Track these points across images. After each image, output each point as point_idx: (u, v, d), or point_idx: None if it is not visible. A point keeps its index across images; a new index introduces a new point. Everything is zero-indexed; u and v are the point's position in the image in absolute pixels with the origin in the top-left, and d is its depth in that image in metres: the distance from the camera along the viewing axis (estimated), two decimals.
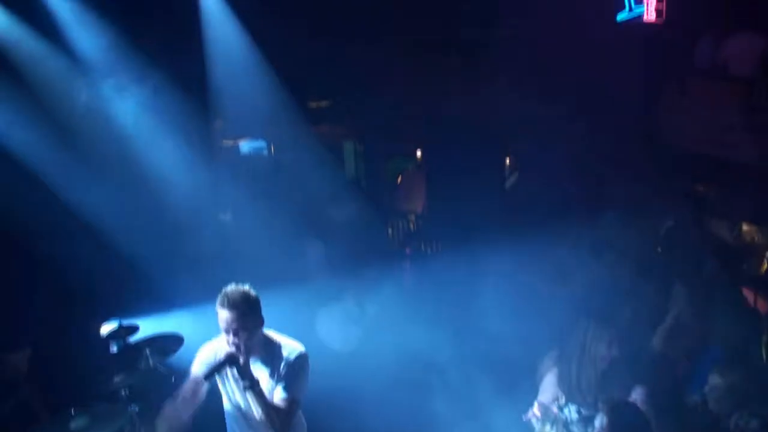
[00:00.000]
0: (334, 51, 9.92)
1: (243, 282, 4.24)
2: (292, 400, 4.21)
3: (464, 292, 7.76)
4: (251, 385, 4.12)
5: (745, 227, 9.70)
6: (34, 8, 7.01)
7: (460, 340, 7.28)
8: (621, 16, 9.55)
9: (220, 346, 4.30)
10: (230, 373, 4.29)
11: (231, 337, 4.13)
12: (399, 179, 11.23)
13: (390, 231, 10.30)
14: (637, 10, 9.25)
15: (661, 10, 9.11)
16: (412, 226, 8.67)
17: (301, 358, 4.27)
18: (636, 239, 8.14)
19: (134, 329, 5.95)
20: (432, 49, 11.14)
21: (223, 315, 4.11)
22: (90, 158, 7.25)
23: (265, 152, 11.80)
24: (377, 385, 6.40)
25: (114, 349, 5.99)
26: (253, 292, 4.19)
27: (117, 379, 5.31)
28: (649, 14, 9.12)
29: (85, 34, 7.40)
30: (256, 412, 4.20)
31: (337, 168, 11.81)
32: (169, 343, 5.60)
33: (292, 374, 4.22)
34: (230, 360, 4.13)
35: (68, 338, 6.27)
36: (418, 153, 11.13)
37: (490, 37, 11.08)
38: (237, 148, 11.30)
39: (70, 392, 5.63)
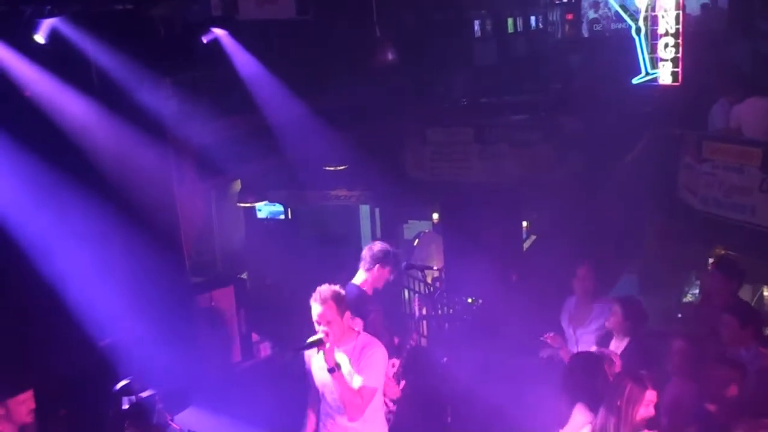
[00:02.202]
0: (351, 120, 10.11)
1: None
2: (365, 388, 4.84)
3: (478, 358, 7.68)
4: (332, 368, 4.73)
5: (766, 292, 9.61)
6: None
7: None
8: (636, 80, 9.69)
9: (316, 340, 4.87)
10: (319, 358, 4.86)
11: (320, 327, 4.76)
12: (416, 242, 11.25)
13: (406, 294, 10.26)
14: (652, 74, 9.36)
15: (677, 73, 9.22)
16: (429, 288, 8.61)
17: (378, 353, 4.92)
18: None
19: (146, 385, 5.89)
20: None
21: (314, 308, 4.77)
22: None
23: (282, 215, 11.90)
24: None
25: (125, 404, 5.92)
26: (340, 290, 4.85)
27: None
28: (665, 77, 9.22)
29: None
30: (337, 393, 4.82)
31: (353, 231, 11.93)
32: (181, 398, 5.54)
33: (369, 365, 4.85)
34: (318, 343, 4.74)
35: (79, 393, 6.21)
36: (435, 216, 11.17)
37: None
38: (253, 209, 11.40)
39: None
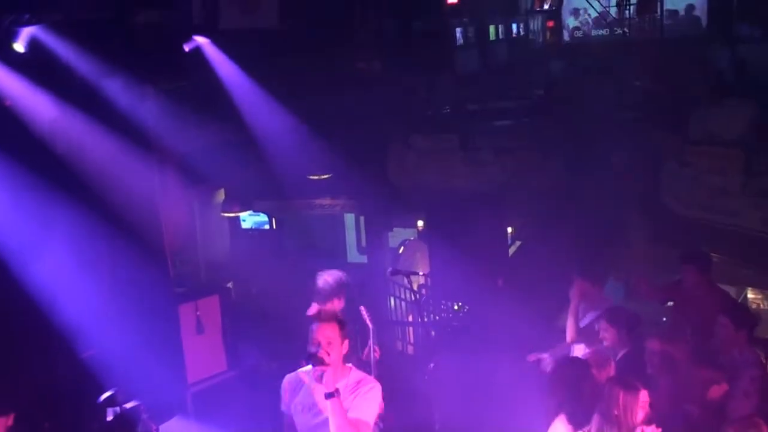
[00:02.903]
0: (333, 129, 10.10)
1: None
2: (361, 421, 4.52)
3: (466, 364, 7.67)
4: (332, 393, 4.38)
5: (750, 294, 9.65)
6: None
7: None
8: None
9: (303, 372, 4.62)
10: (304, 394, 4.60)
11: (323, 348, 4.45)
12: (401, 249, 11.23)
13: (392, 301, 10.23)
14: None
15: None
16: (414, 296, 8.60)
17: (375, 389, 4.62)
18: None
19: (130, 395, 5.82)
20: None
21: (319, 328, 4.47)
22: None
23: (267, 226, 11.86)
24: None
25: (110, 415, 5.86)
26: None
27: None
28: None
29: None
30: (334, 423, 4.41)
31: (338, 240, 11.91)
32: (166, 408, 5.48)
33: (366, 400, 4.57)
34: (320, 361, 4.41)
35: (63, 405, 6.14)
36: (419, 223, 11.16)
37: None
38: (238, 220, 11.34)
39: None
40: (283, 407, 4.70)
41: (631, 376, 4.99)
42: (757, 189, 8.76)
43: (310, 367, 4.50)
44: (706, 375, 5.15)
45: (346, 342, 4.58)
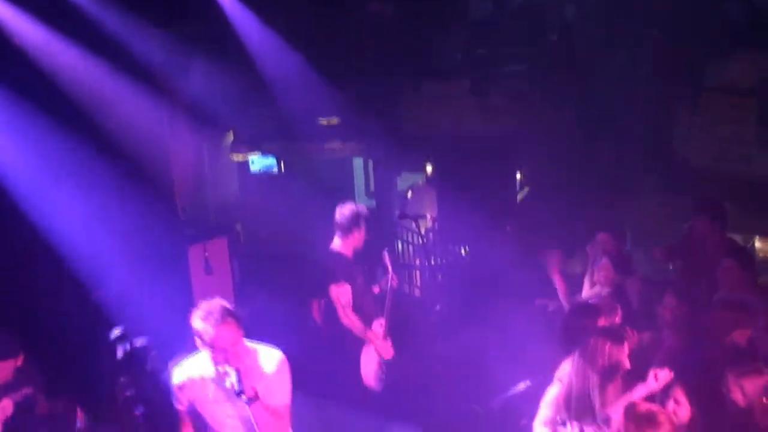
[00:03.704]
0: (345, 72, 10.00)
1: None
2: (286, 404, 4.28)
3: (473, 308, 7.72)
4: (253, 396, 4.05)
5: (758, 243, 9.63)
6: None
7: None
8: None
9: (200, 366, 4.25)
10: (222, 390, 4.18)
11: (224, 354, 4.07)
12: (409, 194, 11.22)
13: (399, 245, 10.26)
14: None
15: None
16: (422, 240, 8.62)
17: (282, 361, 4.30)
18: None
19: (139, 333, 5.90)
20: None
21: (219, 332, 4.03)
22: None
23: (276, 169, 11.84)
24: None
25: (120, 352, 5.94)
26: (229, 305, 4.17)
27: (122, 380, 5.26)
28: None
29: None
30: (260, 423, 4.12)
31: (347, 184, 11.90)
32: (176, 345, 5.54)
33: (280, 379, 4.26)
34: (234, 377, 4.03)
35: (73, 340, 6.23)
36: (428, 168, 11.12)
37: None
38: (246, 163, 11.33)
39: (74, 394, 5.61)
40: (179, 404, 4.38)
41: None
42: None
43: (200, 356, 4.22)
44: (728, 317, 5.13)
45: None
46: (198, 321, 4.07)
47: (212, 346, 4.05)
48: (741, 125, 8.97)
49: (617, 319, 5.53)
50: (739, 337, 5.05)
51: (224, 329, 4.03)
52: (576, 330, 4.90)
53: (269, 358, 4.26)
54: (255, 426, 4.12)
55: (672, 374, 4.16)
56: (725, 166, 9.05)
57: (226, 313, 4.07)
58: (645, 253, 8.59)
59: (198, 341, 4.13)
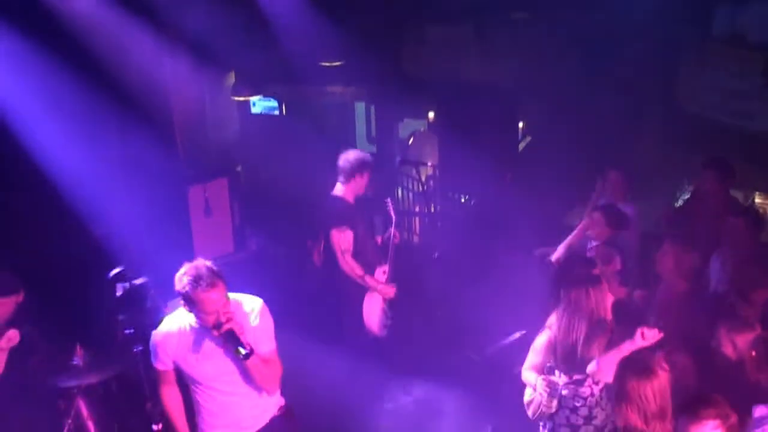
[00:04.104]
0: (348, 15, 9.87)
1: None
2: (273, 349, 4.32)
3: (472, 256, 7.76)
4: (250, 352, 4.09)
5: (758, 199, 9.63)
6: None
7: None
8: None
9: (183, 326, 4.24)
10: (209, 347, 4.21)
11: (215, 316, 4.05)
12: (410, 140, 11.19)
13: (399, 191, 10.27)
14: None
15: None
16: (422, 187, 8.62)
17: (264, 308, 4.33)
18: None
19: (139, 272, 5.96)
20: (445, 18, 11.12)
21: (209, 296, 4.00)
22: None
23: (277, 111, 11.78)
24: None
25: (119, 290, 6.00)
26: (214, 265, 4.11)
27: (121, 318, 5.32)
28: None
29: None
30: (256, 375, 4.21)
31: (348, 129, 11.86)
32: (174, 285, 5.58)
33: (265, 326, 4.29)
34: (231, 336, 4.06)
35: (73, 279, 6.27)
36: (430, 114, 11.07)
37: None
38: (248, 104, 11.26)
39: (74, 332, 5.67)
40: (161, 365, 4.35)
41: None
42: None
43: (180, 315, 4.24)
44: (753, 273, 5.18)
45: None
46: (187, 287, 4.02)
47: (203, 311, 4.04)
48: (746, 79, 8.89)
49: (617, 266, 5.56)
50: (761, 296, 5.07)
51: (215, 293, 4.01)
52: (566, 278, 4.94)
53: (253, 308, 4.28)
54: (248, 377, 4.21)
55: (661, 334, 4.19)
56: (727, 120, 9.00)
57: (215, 276, 4.03)
58: (642, 204, 8.60)
59: (185, 305, 4.12)
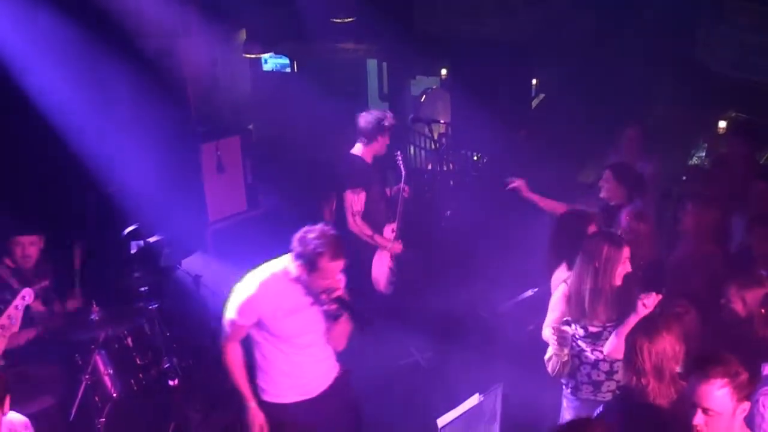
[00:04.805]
0: None
1: None
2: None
3: (484, 214, 7.76)
4: (339, 314, 4.24)
5: None
6: None
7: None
8: None
9: (277, 283, 4.23)
10: (302, 304, 4.27)
11: (331, 281, 4.14)
12: (423, 98, 11.12)
13: (411, 149, 10.24)
14: None
15: None
16: (434, 144, 8.58)
17: None
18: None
19: (153, 230, 6.00)
20: None
21: (336, 265, 4.08)
22: None
23: (289, 68, 11.72)
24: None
25: (133, 248, 6.04)
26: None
27: (136, 275, 5.36)
28: None
29: None
30: (341, 332, 4.35)
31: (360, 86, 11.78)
32: (188, 243, 5.64)
33: None
34: (341, 302, 4.19)
35: (88, 236, 6.30)
36: (443, 71, 10.98)
37: None
38: (259, 61, 11.20)
39: (89, 289, 5.72)
40: (244, 319, 4.24)
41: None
42: None
43: (270, 268, 4.24)
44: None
45: None
46: (314, 253, 4.01)
47: (324, 278, 4.09)
48: (763, 33, 8.75)
49: (649, 227, 5.49)
50: None
51: (340, 263, 4.10)
52: (570, 231, 4.94)
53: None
54: (329, 334, 4.34)
55: (660, 297, 4.18)
56: (745, 77, 8.88)
57: (342, 246, 4.12)
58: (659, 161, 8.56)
59: (303, 266, 4.08)
